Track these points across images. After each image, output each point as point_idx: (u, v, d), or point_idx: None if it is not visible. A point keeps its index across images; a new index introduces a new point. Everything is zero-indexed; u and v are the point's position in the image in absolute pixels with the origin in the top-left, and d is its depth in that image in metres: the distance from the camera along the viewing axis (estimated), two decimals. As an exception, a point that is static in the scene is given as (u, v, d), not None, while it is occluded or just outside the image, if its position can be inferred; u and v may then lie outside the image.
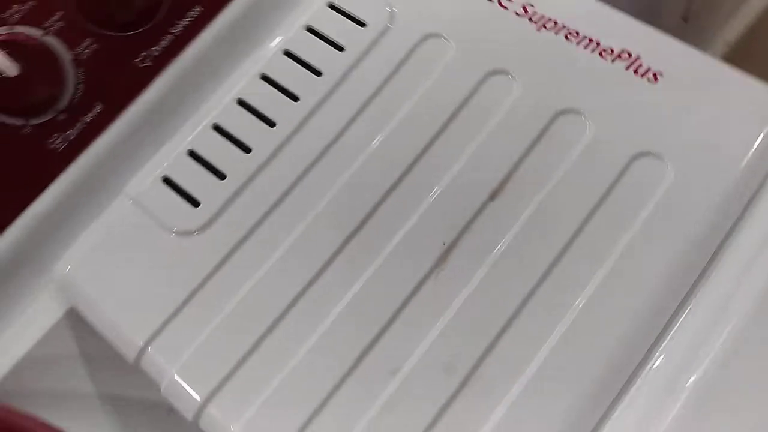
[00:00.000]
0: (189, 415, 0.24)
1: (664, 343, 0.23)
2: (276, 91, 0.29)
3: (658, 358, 0.23)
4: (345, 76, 0.28)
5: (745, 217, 0.24)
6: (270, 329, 0.24)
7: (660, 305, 0.23)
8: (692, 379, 0.22)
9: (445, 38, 0.28)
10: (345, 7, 0.30)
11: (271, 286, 0.25)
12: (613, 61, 0.27)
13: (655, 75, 0.27)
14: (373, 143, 0.27)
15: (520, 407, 0.22)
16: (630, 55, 0.27)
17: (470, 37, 0.28)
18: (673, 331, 0.23)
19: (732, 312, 0.23)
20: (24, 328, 0.27)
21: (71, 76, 0.28)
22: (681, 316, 0.23)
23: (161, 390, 0.25)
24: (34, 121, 0.28)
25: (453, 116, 0.27)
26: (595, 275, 0.23)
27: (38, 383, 0.28)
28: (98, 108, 0.28)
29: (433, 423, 0.22)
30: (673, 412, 0.21)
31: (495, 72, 0.27)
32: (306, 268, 0.25)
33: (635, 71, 0.27)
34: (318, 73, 0.29)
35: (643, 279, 0.23)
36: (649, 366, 0.23)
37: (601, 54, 0.27)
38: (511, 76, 0.27)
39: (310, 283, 0.25)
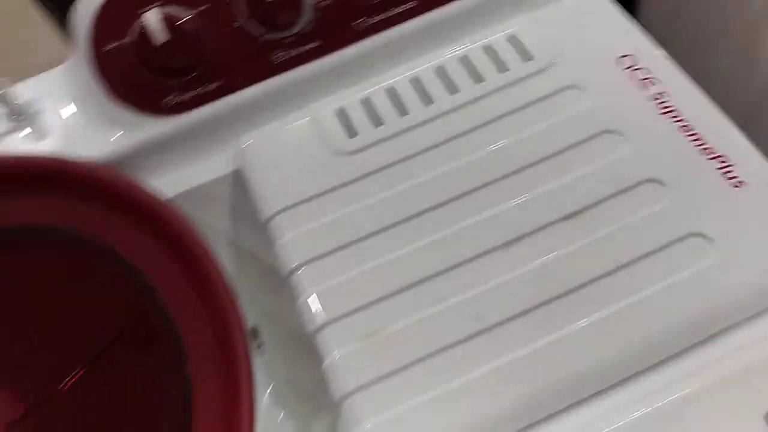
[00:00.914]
0: (286, 269, 0.32)
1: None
2: (441, 82, 0.37)
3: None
4: (500, 90, 0.36)
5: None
6: (377, 233, 0.32)
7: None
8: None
9: (580, 90, 0.35)
10: (524, 40, 0.37)
11: (386, 207, 0.33)
12: (709, 158, 0.33)
13: (739, 183, 0.32)
14: (490, 147, 0.34)
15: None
16: (725, 160, 0.33)
17: (605, 100, 0.35)
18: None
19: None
20: (201, 170, 0.37)
21: (308, 14, 0.37)
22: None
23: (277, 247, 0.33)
24: (270, 36, 0.37)
25: (564, 149, 0.34)
26: (620, 302, 0.29)
27: (193, 212, 0.37)
28: (316, 43, 0.38)
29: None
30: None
31: (610, 131, 0.34)
32: (412, 205, 0.33)
33: (725, 173, 0.32)
34: (480, 80, 0.36)
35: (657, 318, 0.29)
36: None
37: (703, 149, 0.33)
38: (622, 137, 0.33)
39: (412, 217, 0.32)
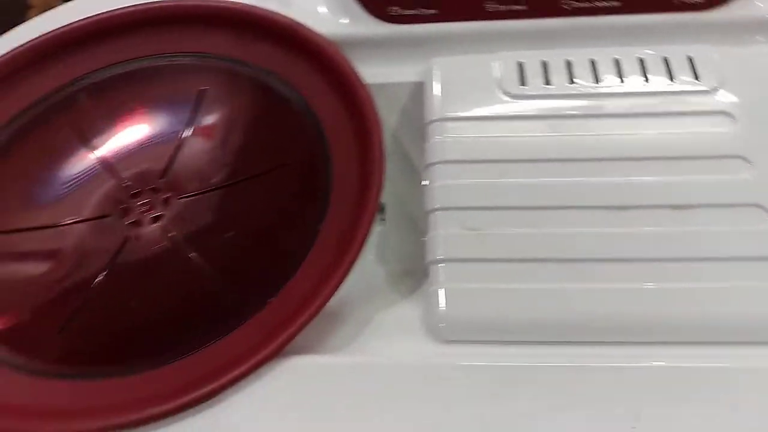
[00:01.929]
0: (427, 162, 0.39)
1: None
2: (614, 69, 0.42)
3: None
4: (659, 94, 0.41)
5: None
6: (512, 161, 0.39)
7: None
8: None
9: (731, 118, 0.39)
10: (698, 64, 0.42)
11: (527, 147, 0.39)
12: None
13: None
14: (631, 133, 0.39)
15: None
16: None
17: (749, 131, 0.39)
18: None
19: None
20: (392, 73, 0.45)
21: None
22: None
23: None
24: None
25: (694, 157, 0.38)
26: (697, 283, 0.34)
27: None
28: (524, 7, 0.44)
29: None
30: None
31: (739, 157, 0.38)
32: (548, 153, 0.39)
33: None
34: (647, 79, 0.41)
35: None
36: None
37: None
38: (750, 165, 0.37)
39: (544, 161, 0.39)
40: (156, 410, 0.32)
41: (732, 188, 0.37)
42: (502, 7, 0.45)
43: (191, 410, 0.32)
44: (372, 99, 0.41)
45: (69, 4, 0.51)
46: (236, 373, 0.33)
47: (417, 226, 0.42)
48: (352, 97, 0.42)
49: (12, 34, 0.50)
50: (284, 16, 0.46)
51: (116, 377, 0.35)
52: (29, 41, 0.47)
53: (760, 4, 0.44)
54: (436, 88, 0.43)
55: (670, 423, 0.31)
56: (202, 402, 0.32)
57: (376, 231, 0.44)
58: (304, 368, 0.33)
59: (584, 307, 0.34)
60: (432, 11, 0.45)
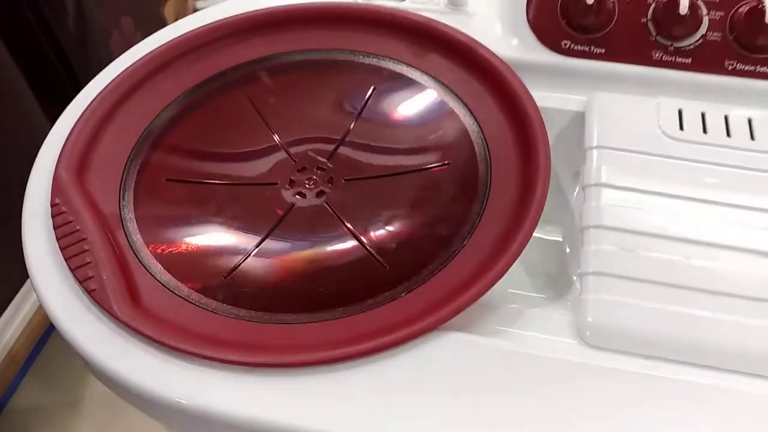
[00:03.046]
0: (588, 182, 0.42)
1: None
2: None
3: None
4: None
5: None
6: (666, 193, 0.41)
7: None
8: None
9: None
10: None
11: (680, 180, 0.42)
12: None
13: None
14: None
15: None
16: None
17: None
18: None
19: None
20: (555, 99, 0.49)
21: (697, 40, 0.47)
22: None
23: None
24: (661, 39, 0.48)
25: None
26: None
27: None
28: (688, 60, 0.47)
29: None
30: None
31: None
32: (698, 192, 0.41)
33: None
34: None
35: None
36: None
37: None
38: None
39: (696, 199, 0.41)
40: (327, 355, 0.35)
41: None
42: (666, 57, 0.48)
43: (354, 362, 0.35)
44: (540, 114, 0.44)
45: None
46: (401, 334, 0.36)
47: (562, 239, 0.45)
48: (519, 110, 0.45)
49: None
50: (463, 34, 0.50)
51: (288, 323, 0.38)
52: (218, 20, 0.53)
53: None
54: (596, 120, 0.46)
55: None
56: (366, 356, 0.35)
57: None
58: (462, 344, 0.36)
59: (720, 336, 0.36)
60: (600, 50, 0.49)
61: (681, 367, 0.36)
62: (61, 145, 0.45)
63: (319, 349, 0.35)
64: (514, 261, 0.38)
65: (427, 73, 0.50)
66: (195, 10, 1.02)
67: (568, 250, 0.45)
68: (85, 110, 0.47)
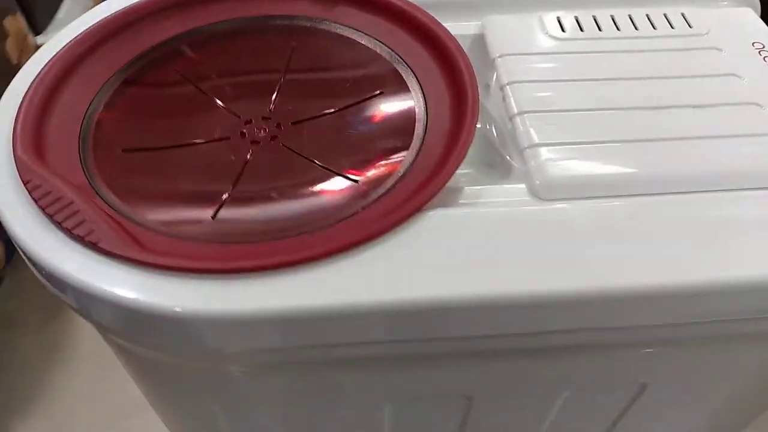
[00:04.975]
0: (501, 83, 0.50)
1: None
2: (629, 21, 0.55)
3: None
4: (665, 36, 0.54)
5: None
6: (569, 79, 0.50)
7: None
8: None
9: (719, 50, 0.52)
10: (689, 17, 0.55)
11: (575, 67, 0.51)
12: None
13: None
14: (644, 58, 0.52)
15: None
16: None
17: (735, 60, 0.52)
18: None
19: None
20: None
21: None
22: None
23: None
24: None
25: (703, 75, 0.51)
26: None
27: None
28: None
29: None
30: None
31: (733, 75, 0.51)
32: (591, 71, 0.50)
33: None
34: (654, 27, 0.54)
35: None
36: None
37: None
38: (738, 78, 0.50)
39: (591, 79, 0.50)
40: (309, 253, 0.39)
41: (733, 93, 0.50)
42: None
43: (343, 254, 0.40)
44: (449, 33, 0.51)
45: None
46: (393, 219, 0.41)
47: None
48: (432, 37, 0.52)
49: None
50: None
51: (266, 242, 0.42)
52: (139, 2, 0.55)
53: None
54: (496, 34, 0.54)
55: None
56: (353, 248, 0.40)
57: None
58: (444, 218, 0.42)
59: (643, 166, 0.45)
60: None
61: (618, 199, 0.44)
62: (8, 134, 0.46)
63: (323, 244, 0.40)
64: (469, 145, 0.44)
65: (338, 23, 0.56)
66: (37, 47, 1.00)
67: (498, 140, 0.52)
68: (24, 98, 0.48)
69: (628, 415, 0.55)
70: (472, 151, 0.52)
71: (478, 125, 0.52)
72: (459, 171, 0.49)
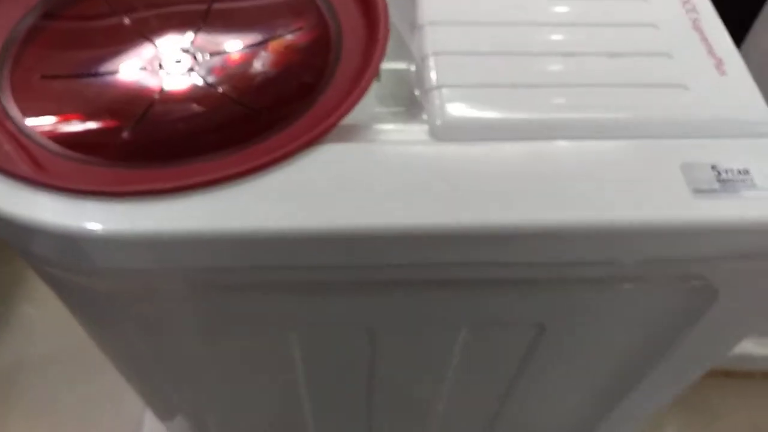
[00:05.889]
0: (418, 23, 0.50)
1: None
2: None
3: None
4: None
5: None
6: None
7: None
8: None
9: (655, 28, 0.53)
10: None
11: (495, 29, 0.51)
12: (708, 54, 0.49)
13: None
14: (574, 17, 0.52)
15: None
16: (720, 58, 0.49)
17: (660, 14, 0.52)
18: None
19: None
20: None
21: None
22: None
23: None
24: None
25: (618, 24, 0.51)
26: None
27: None
28: None
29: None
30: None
31: (651, 25, 0.51)
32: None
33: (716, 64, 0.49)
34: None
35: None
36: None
37: (709, 53, 0.50)
38: (657, 29, 0.51)
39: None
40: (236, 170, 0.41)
41: (645, 41, 0.50)
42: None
43: (238, 180, 0.41)
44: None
45: None
46: (292, 147, 0.42)
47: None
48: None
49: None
50: None
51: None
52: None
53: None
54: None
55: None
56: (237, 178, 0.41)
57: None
58: (340, 151, 0.43)
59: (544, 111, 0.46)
60: None
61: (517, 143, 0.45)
62: None
63: (225, 168, 0.41)
64: (369, 84, 0.45)
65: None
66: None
67: (416, 81, 0.53)
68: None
69: (533, 363, 0.57)
70: (391, 90, 0.53)
71: (404, 65, 0.53)
72: (378, 110, 0.50)
